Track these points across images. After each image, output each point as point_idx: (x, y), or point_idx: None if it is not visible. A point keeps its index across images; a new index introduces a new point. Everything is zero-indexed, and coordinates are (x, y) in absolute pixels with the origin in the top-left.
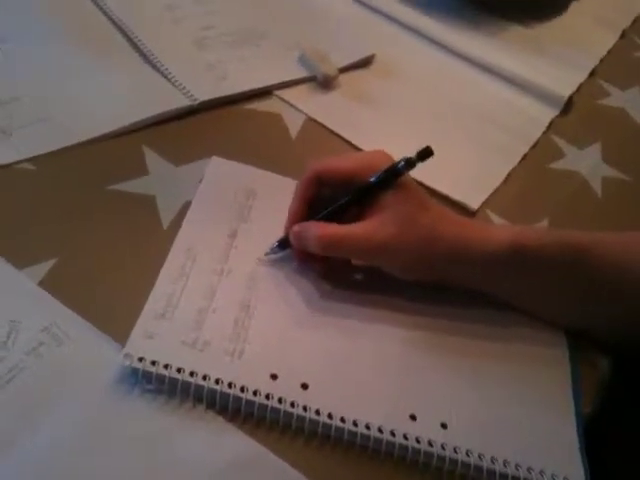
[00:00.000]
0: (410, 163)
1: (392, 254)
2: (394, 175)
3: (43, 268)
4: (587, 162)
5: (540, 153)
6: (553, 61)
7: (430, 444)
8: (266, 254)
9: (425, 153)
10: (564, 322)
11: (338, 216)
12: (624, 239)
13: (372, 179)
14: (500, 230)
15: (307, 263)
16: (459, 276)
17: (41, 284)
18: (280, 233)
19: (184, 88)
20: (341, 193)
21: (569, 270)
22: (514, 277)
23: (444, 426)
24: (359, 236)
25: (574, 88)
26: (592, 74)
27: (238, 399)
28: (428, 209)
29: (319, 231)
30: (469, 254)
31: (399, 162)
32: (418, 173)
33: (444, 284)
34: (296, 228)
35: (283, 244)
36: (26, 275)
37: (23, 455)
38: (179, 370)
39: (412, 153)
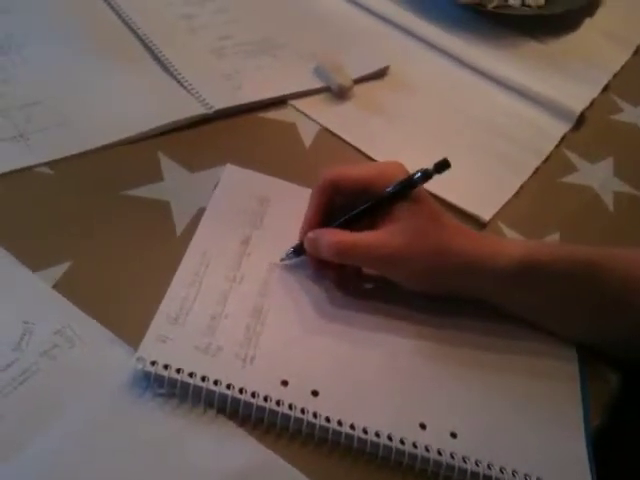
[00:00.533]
0: (427, 175)
1: (401, 264)
2: (410, 186)
3: (58, 271)
4: (599, 177)
5: (552, 167)
6: (566, 76)
7: (439, 453)
8: (281, 260)
9: (442, 165)
10: (575, 336)
11: (353, 224)
12: (636, 254)
13: (389, 189)
14: (512, 245)
15: (321, 270)
16: (469, 289)
17: (55, 287)
18: (293, 240)
19: (200, 96)
20: (355, 201)
21: (581, 285)
22: (525, 291)
23: (453, 435)
24: (371, 244)
25: (587, 103)
26: (605, 89)
27: (249, 405)
28: (441, 222)
29: (332, 238)
30: (480, 268)
31: (416, 173)
32: (431, 184)
33: (454, 296)
34: (310, 235)
35: (298, 250)
36: (41, 277)
37: (34, 456)
38: (191, 375)
39: (425, 164)
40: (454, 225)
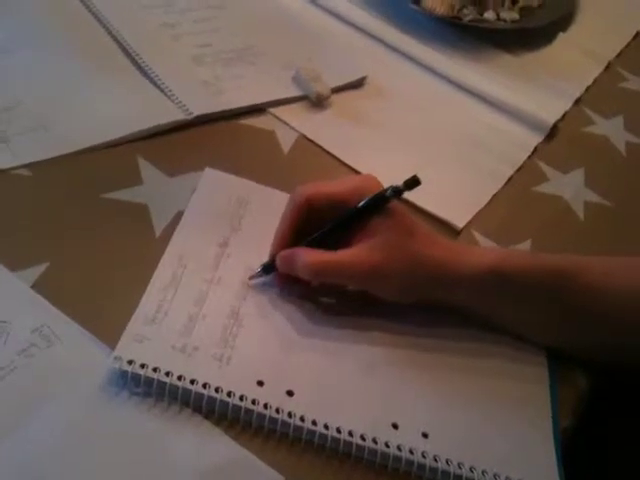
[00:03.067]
0: (397, 191)
1: (379, 279)
2: (381, 202)
3: (36, 271)
4: (570, 187)
5: (525, 177)
6: (539, 88)
7: (411, 452)
8: (250, 278)
9: (412, 182)
10: (545, 342)
11: (325, 241)
12: (608, 264)
13: (359, 205)
14: (482, 253)
15: (289, 288)
16: (442, 296)
17: (34, 287)
18: (271, 242)
19: (180, 102)
20: (329, 217)
21: (550, 295)
22: (496, 300)
23: (425, 435)
24: (347, 263)
25: (559, 115)
26: (577, 102)
27: (225, 404)
28: (414, 235)
29: (308, 259)
30: (452, 277)
31: (387, 190)
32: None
33: (428, 302)
34: (284, 254)
35: (268, 268)
36: (19, 277)
37: (11, 454)
38: (167, 374)
39: (400, 172)
40: (427, 235)
